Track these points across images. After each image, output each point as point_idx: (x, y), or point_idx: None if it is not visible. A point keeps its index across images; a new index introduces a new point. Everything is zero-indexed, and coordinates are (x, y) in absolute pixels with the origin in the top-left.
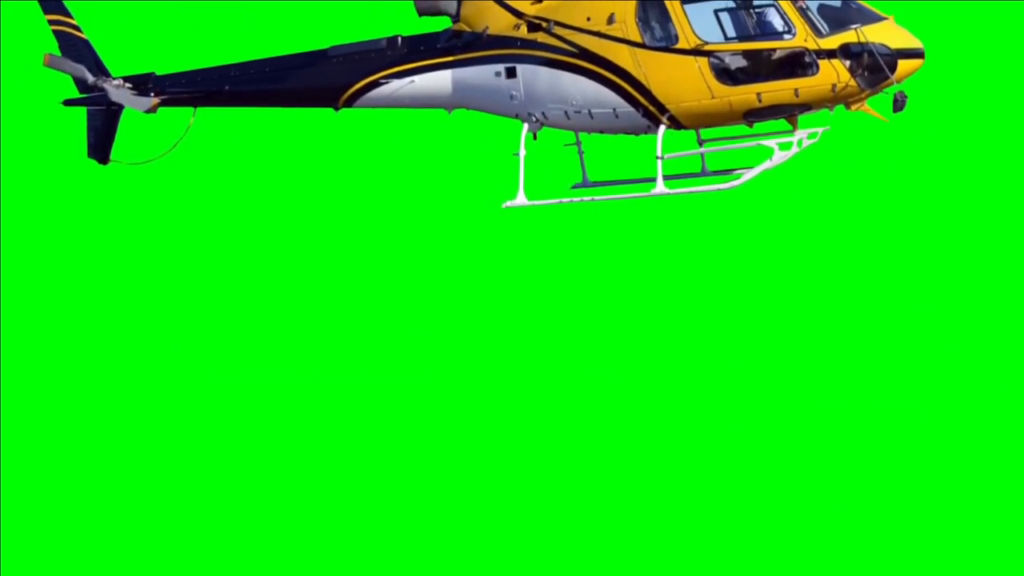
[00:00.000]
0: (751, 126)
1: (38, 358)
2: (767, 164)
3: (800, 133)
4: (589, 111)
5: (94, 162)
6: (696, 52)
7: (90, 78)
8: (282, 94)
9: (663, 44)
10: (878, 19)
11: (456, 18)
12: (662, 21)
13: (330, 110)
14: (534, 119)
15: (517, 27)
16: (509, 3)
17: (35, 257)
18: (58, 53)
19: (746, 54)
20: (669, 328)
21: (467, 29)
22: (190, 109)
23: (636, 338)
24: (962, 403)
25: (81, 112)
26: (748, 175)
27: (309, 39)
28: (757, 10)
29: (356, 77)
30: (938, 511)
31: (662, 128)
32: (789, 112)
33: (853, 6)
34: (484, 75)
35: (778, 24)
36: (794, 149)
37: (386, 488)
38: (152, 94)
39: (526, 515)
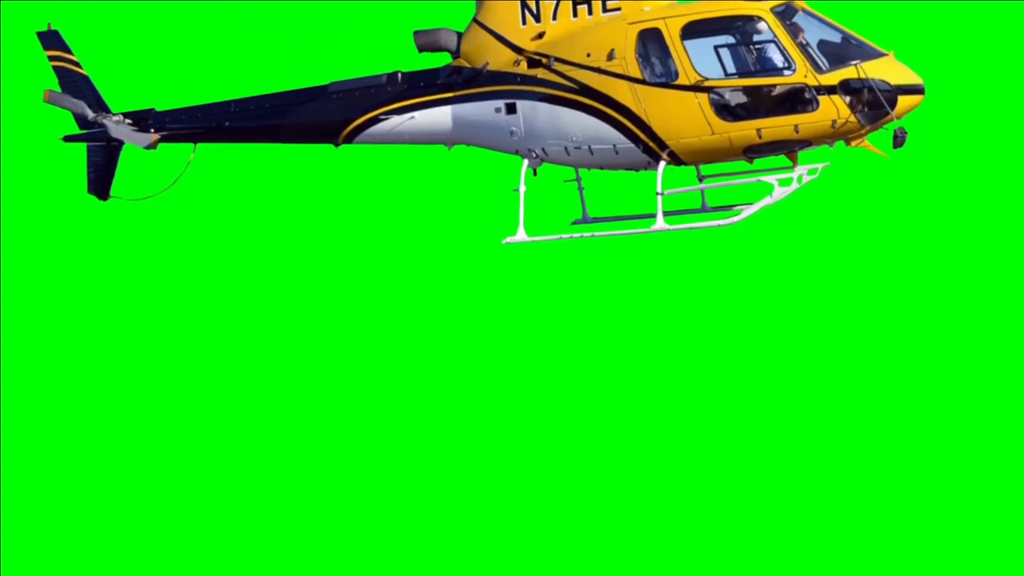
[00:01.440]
0: (751, 162)
1: (38, 392)
2: (767, 200)
3: (800, 169)
4: (589, 147)
5: (94, 198)
6: (696, 88)
7: (90, 114)
8: (282, 130)
9: (663, 80)
10: (878, 55)
11: (456, 54)
12: (662, 57)
13: (330, 146)
14: (534, 155)
15: (517, 63)
16: (509, 39)
17: (36, 293)
18: (58, 89)
19: (746, 90)
20: (670, 364)
21: (467, 65)
22: (190, 145)
23: (637, 375)
24: (957, 455)
25: (81, 148)
26: (748, 211)
27: (310, 75)
28: (757, 46)
29: (356, 113)
30: (941, 543)
31: (662, 164)
32: (789, 148)
33: (853, 42)
34: (484, 111)
35: (778, 60)
36: (794, 185)
37: (385, 529)
38: (152, 130)
39: (523, 552)
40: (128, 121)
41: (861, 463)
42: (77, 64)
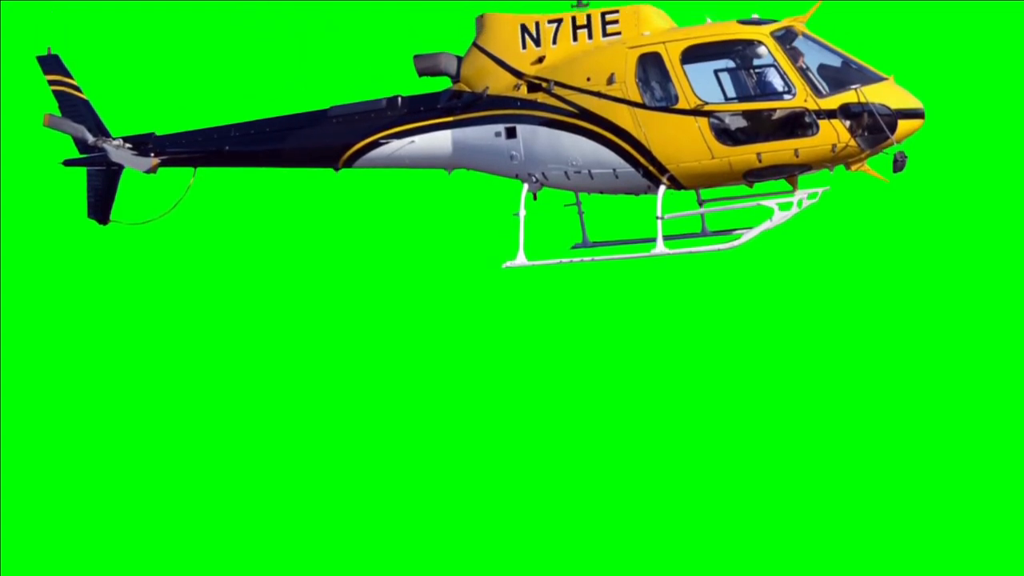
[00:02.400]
0: (751, 186)
1: (38, 417)
2: (767, 224)
3: (800, 193)
4: (589, 171)
5: (94, 222)
6: (696, 112)
7: (90, 138)
8: (282, 154)
9: (663, 104)
10: (878, 79)
11: (456, 78)
12: (662, 81)
13: (330, 170)
14: (534, 179)
15: (517, 87)
16: (509, 63)
17: (37, 317)
18: (58, 113)
19: (746, 114)
20: (669, 388)
21: (467, 89)
22: (190, 169)
23: (637, 399)
24: (952, 488)
25: (81, 172)
26: (748, 235)
27: (310, 99)
28: (757, 70)
29: (356, 137)
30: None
31: (662, 188)
32: (789, 172)
33: (853, 66)
34: (484, 135)
35: (778, 84)
36: (794, 209)
37: (384, 553)
38: (152, 154)
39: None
40: (128, 145)
41: (860, 486)
42: (77, 88)
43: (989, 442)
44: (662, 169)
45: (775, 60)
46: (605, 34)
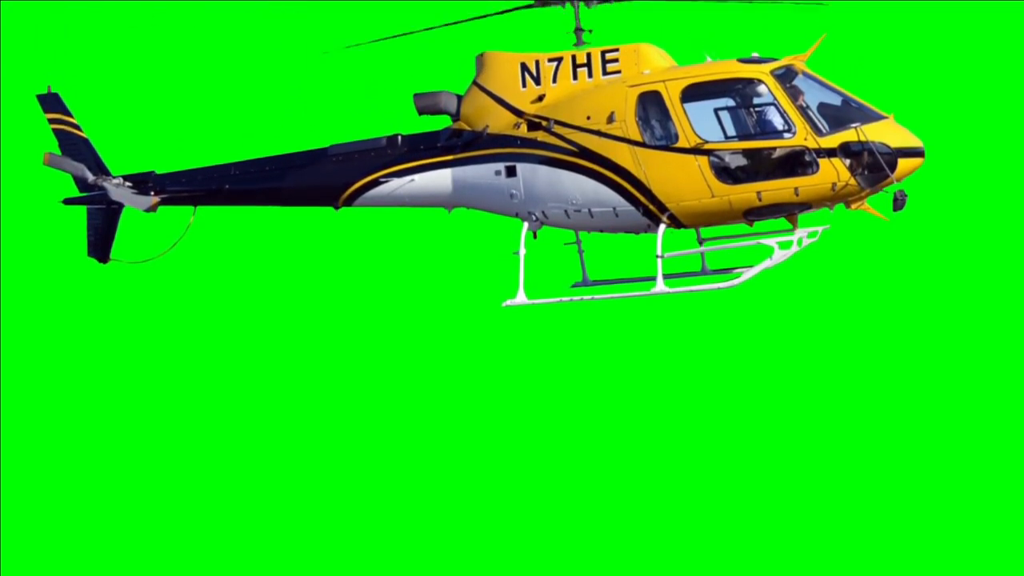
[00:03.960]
0: (751, 225)
1: (38, 457)
2: (767, 263)
3: (800, 232)
4: (589, 210)
5: (94, 261)
6: (696, 151)
7: (90, 177)
8: (282, 193)
9: (663, 143)
10: (878, 118)
11: (456, 117)
12: (662, 120)
13: (330, 209)
14: (534, 218)
15: (517, 126)
16: (509, 102)
17: (35, 357)
18: (58, 152)
19: (746, 153)
20: (669, 428)
21: (467, 128)
22: (190, 208)
23: (636, 438)
24: (956, 527)
25: (81, 211)
26: (748, 274)
27: (310, 138)
28: (757, 109)
29: (356, 176)
30: None
31: (662, 227)
32: (789, 211)
33: (853, 104)
34: (484, 174)
35: (778, 123)
36: (794, 248)
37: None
38: (152, 193)
39: None
40: (128, 184)
41: (860, 523)
42: (77, 127)
43: (985, 487)
44: (662, 208)
45: (775, 99)
46: (605, 72)
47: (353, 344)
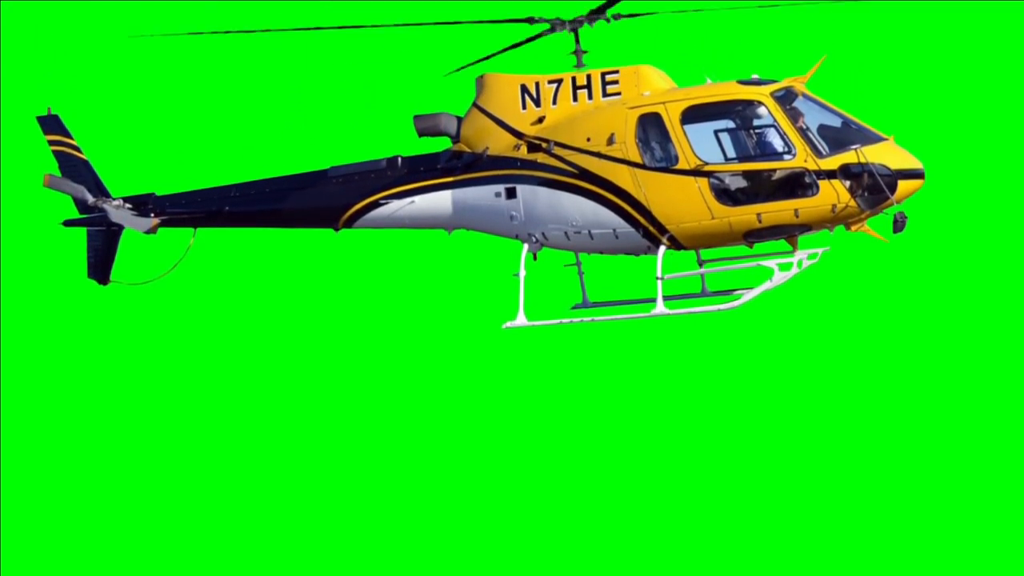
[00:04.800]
0: (751, 246)
1: (37, 477)
2: (767, 285)
3: (800, 254)
4: (589, 231)
5: (94, 283)
6: (696, 173)
7: (90, 198)
8: (282, 215)
9: (663, 164)
10: (878, 139)
11: (456, 138)
12: (662, 141)
13: (330, 230)
14: (534, 239)
15: (517, 147)
16: (509, 123)
17: (36, 378)
18: (58, 173)
19: (746, 175)
20: (670, 450)
21: (467, 149)
22: (190, 230)
23: (637, 460)
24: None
25: (81, 233)
26: (748, 296)
27: (310, 159)
28: (757, 131)
29: (356, 197)
30: None
31: (662, 249)
32: (789, 233)
33: (853, 126)
34: (484, 195)
35: (778, 145)
36: (794, 270)
37: None
38: (152, 214)
39: None
40: (128, 205)
41: (864, 546)
42: (77, 148)
43: (989, 505)
44: (662, 229)
45: (775, 120)
46: (605, 94)
47: (354, 366)
